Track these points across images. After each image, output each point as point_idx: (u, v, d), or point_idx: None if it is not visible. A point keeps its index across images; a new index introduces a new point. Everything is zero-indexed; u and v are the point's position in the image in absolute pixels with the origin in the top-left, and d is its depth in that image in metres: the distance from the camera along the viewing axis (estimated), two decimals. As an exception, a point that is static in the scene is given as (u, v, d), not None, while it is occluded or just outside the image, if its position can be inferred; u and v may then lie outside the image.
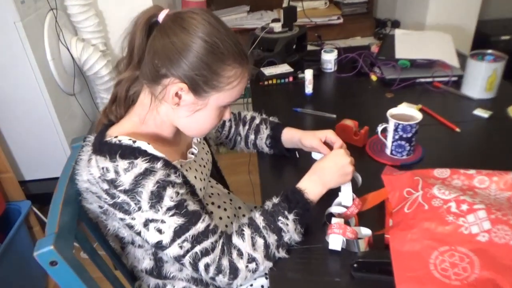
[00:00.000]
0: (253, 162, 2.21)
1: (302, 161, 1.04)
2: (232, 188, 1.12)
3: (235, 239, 0.74)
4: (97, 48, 1.65)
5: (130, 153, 0.71)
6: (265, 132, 1.04)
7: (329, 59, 1.50)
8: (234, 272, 0.73)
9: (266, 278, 0.90)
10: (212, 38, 0.70)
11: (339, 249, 0.75)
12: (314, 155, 1.03)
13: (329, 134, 0.92)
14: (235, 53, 0.73)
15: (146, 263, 0.85)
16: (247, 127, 1.07)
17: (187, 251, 0.72)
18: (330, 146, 0.92)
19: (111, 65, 1.68)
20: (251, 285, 0.89)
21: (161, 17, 0.73)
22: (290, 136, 1.00)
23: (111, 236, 0.84)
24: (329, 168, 0.80)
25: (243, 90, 0.79)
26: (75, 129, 1.60)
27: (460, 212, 0.68)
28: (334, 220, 0.77)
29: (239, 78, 0.75)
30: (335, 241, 0.75)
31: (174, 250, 0.72)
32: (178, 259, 0.73)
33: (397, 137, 0.98)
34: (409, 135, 0.97)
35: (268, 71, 1.48)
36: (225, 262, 0.72)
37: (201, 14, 0.71)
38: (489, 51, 1.25)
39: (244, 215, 1.01)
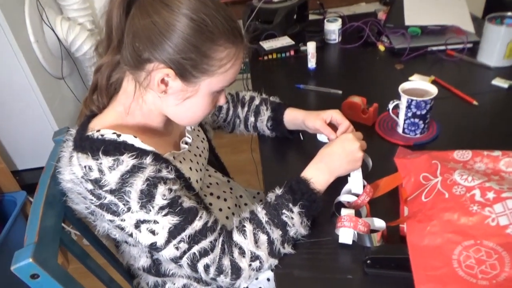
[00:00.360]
0: (255, 140, 2.14)
1: (307, 144, 0.96)
2: (235, 168, 1.05)
3: (236, 236, 0.67)
4: (84, 27, 1.55)
5: (115, 148, 0.63)
6: (265, 113, 0.95)
7: (332, 29, 1.40)
8: (236, 272, 0.67)
9: (272, 270, 0.84)
10: (199, 14, 0.61)
11: (350, 242, 0.69)
12: (320, 137, 0.95)
13: (334, 114, 0.84)
14: (226, 31, 0.63)
15: (143, 261, 0.80)
16: (246, 108, 0.98)
17: (184, 252, 0.66)
18: (336, 128, 0.84)
19: (100, 44, 1.58)
20: (256, 278, 0.83)
21: None
22: (293, 118, 0.92)
23: (102, 236, 0.78)
24: (337, 154, 0.73)
25: (238, 73, 0.70)
26: (66, 115, 1.52)
27: (485, 201, 0.60)
28: (344, 212, 0.70)
29: (232, 59, 0.66)
30: (346, 234, 0.68)
31: (169, 252, 0.66)
32: (175, 260, 0.67)
33: (410, 114, 0.90)
34: (424, 111, 0.88)
35: (268, 45, 1.37)
36: (226, 262, 0.66)
37: None
38: (509, 13, 1.14)
39: (246, 204, 0.95)
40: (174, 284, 0.83)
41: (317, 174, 0.71)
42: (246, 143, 2.10)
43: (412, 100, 0.87)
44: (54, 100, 1.44)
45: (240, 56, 0.67)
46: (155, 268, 0.80)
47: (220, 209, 0.86)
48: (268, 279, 0.84)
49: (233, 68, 0.67)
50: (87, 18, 1.57)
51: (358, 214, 0.73)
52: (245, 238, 0.67)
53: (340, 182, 0.76)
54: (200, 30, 0.61)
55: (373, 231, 0.69)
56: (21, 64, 1.29)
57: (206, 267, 0.66)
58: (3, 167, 1.41)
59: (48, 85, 1.41)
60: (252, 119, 0.97)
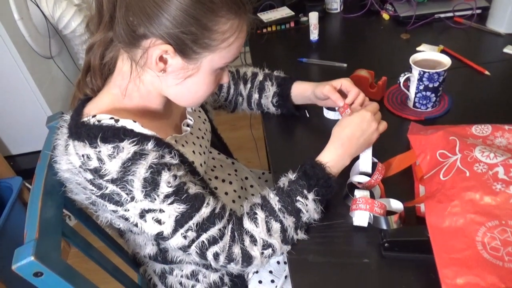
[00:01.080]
0: (254, 116, 2.09)
1: (313, 121, 0.92)
2: (234, 145, 1.01)
3: (247, 224, 0.64)
4: (71, 2, 1.46)
5: (114, 135, 0.59)
6: (271, 89, 0.90)
7: (334, -3, 1.33)
8: (247, 260, 0.64)
9: (282, 253, 0.82)
10: None
11: (365, 225, 0.66)
12: (326, 113, 0.91)
13: (344, 82, 0.79)
14: (228, 1, 0.57)
15: (149, 249, 0.77)
16: (249, 85, 0.93)
17: (193, 241, 0.63)
18: (345, 96, 0.80)
19: (89, 20, 1.50)
20: (266, 261, 0.81)
21: None
22: (302, 91, 0.87)
23: (105, 226, 0.75)
24: (355, 138, 0.69)
25: (242, 47, 0.65)
26: (58, 96, 1.46)
27: (510, 179, 0.57)
28: (358, 194, 0.67)
29: (236, 32, 0.60)
30: (361, 217, 0.65)
31: (177, 241, 0.62)
32: (184, 249, 0.64)
33: (421, 87, 0.85)
34: (436, 84, 0.84)
35: (266, 16, 1.31)
36: (236, 250, 0.63)
37: None
38: (522, -24, 1.08)
39: (252, 186, 0.92)
40: (182, 270, 0.81)
41: (334, 159, 0.67)
42: (244, 120, 2.05)
43: (424, 72, 0.83)
44: (44, 81, 1.37)
45: (243, 28, 0.62)
46: (162, 255, 0.77)
47: (226, 193, 0.82)
48: (278, 262, 0.83)
49: (236, 42, 0.61)
50: (73, -8, 1.48)
51: (371, 195, 0.70)
52: (256, 226, 0.63)
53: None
54: (199, 0, 0.55)
55: (389, 212, 0.66)
56: (6, 44, 1.21)
57: (216, 255, 0.63)
58: (-5, 153, 1.36)
59: (36, 65, 1.34)
60: (256, 96, 0.92)
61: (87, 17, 1.48)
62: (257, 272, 0.82)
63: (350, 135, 0.69)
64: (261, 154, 2.00)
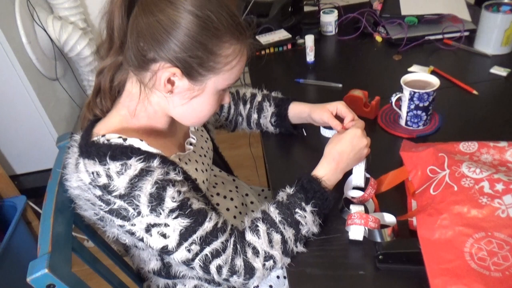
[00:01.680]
0: (253, 134, 2.13)
1: (310, 139, 0.96)
2: (234, 163, 1.04)
3: (249, 236, 0.67)
4: (77, 26, 1.52)
5: (122, 153, 0.63)
6: (269, 109, 0.95)
7: (329, 21, 1.39)
8: (250, 272, 0.67)
9: (282, 268, 0.84)
10: (204, 11, 0.60)
11: (360, 239, 0.69)
12: (323, 131, 0.95)
13: (339, 106, 0.84)
14: (231, 27, 0.63)
15: (153, 264, 0.80)
16: (248, 105, 0.98)
17: (196, 254, 0.66)
18: (341, 119, 0.84)
19: (94, 43, 1.56)
20: (266, 276, 0.84)
21: None
22: (298, 111, 0.91)
23: (112, 241, 0.78)
24: (346, 153, 0.73)
25: (243, 70, 0.69)
26: (62, 116, 1.50)
27: (494, 192, 0.61)
28: (353, 209, 0.71)
29: (238, 56, 0.65)
30: (356, 231, 0.68)
31: (181, 254, 0.65)
32: (187, 263, 0.67)
33: (412, 106, 0.90)
34: (426, 103, 0.89)
35: (264, 39, 1.36)
36: (239, 262, 0.66)
37: None
38: (505, 0, 1.14)
39: (252, 202, 0.95)
40: (185, 285, 0.83)
41: (328, 173, 0.72)
42: (243, 138, 2.10)
43: (414, 93, 0.88)
44: (49, 101, 1.42)
45: (244, 52, 0.67)
46: (166, 270, 0.80)
47: (228, 209, 0.86)
48: (278, 277, 0.85)
49: (238, 65, 0.66)
50: (79, 17, 1.55)
51: (365, 209, 0.74)
52: (258, 237, 0.67)
53: (344, 175, 0.76)
54: (205, 26, 0.60)
55: (383, 226, 0.69)
56: (14, 67, 1.26)
57: (219, 268, 0.66)
58: (1, 172, 1.39)
59: (42, 87, 1.39)
60: (255, 116, 0.97)
61: (92, 40, 1.54)
62: (257, 286, 0.84)
63: (341, 151, 0.73)
64: (260, 172, 2.04)
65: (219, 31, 0.61)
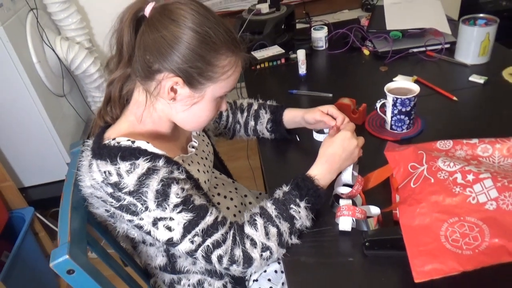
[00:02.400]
0: (251, 147, 2.21)
1: (303, 144, 1.04)
2: (233, 174, 1.11)
3: (248, 229, 0.74)
4: (83, 46, 1.62)
5: (131, 154, 0.70)
6: (265, 116, 1.03)
7: (319, 36, 1.48)
8: (248, 261, 0.73)
9: (279, 263, 0.91)
10: (203, 27, 0.68)
11: (349, 229, 0.76)
12: (316, 136, 1.03)
13: (330, 109, 0.92)
14: (227, 42, 0.71)
15: (159, 260, 0.86)
16: (245, 114, 1.06)
17: (199, 245, 0.72)
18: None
19: (99, 62, 1.65)
20: (265, 271, 0.90)
21: (147, 10, 0.71)
22: (292, 116, 0.99)
23: (121, 237, 0.84)
24: (338, 155, 0.80)
25: (238, 79, 0.77)
26: (69, 131, 1.58)
27: (466, 182, 0.68)
28: (342, 202, 0.77)
29: (233, 66, 0.73)
30: (345, 222, 0.75)
31: (185, 246, 0.72)
32: (191, 253, 0.73)
33: (396, 111, 0.98)
34: (408, 108, 0.97)
35: (259, 54, 1.45)
36: (238, 252, 0.73)
37: (188, 4, 0.69)
38: (481, 15, 1.24)
39: (250, 203, 1.02)
40: (189, 280, 0.89)
41: (320, 172, 0.78)
42: (242, 151, 2.17)
43: (397, 99, 0.96)
44: (57, 117, 1.50)
45: (239, 64, 0.75)
46: (171, 265, 0.86)
47: (228, 208, 0.92)
48: (276, 271, 0.91)
49: (234, 74, 0.74)
50: (84, 37, 1.64)
51: (353, 203, 0.80)
52: (256, 230, 0.73)
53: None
54: (204, 41, 0.68)
55: (369, 217, 0.76)
56: (25, 84, 1.35)
57: (220, 258, 0.72)
58: (10, 184, 1.45)
59: (50, 103, 1.47)
60: (252, 123, 1.04)
61: (96, 59, 1.63)
62: (256, 280, 0.90)
63: (333, 152, 0.80)
64: (258, 182, 2.11)
65: (216, 45, 0.70)
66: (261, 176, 2.12)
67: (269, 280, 0.90)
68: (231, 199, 0.94)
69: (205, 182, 0.85)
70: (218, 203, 0.90)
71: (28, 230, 1.48)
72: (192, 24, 0.68)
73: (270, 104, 1.05)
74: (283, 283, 0.89)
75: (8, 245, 1.46)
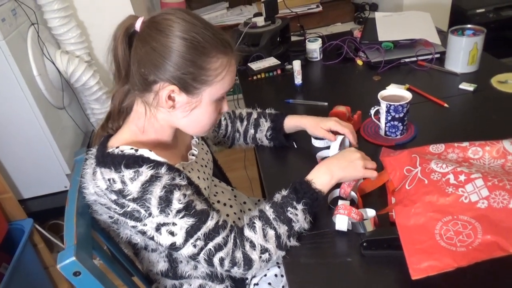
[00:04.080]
0: (248, 157, 2.24)
1: (300, 152, 1.07)
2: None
3: (247, 232, 0.76)
4: (82, 59, 1.64)
5: (134, 162, 0.72)
6: (265, 124, 1.05)
7: (314, 48, 1.53)
8: (248, 263, 0.75)
9: (279, 267, 0.92)
10: (190, 33, 0.70)
11: (345, 229, 0.78)
12: (314, 142, 1.06)
13: (332, 126, 0.96)
14: (216, 43, 0.73)
15: (161, 265, 0.87)
16: (245, 122, 1.08)
17: (201, 249, 0.74)
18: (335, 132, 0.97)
19: (98, 75, 1.68)
20: (265, 275, 0.91)
21: (137, 25, 0.73)
22: (293, 124, 1.03)
23: (124, 244, 0.86)
24: (336, 159, 0.83)
25: (234, 79, 0.79)
26: (68, 142, 1.59)
27: (458, 183, 0.71)
28: (340, 202, 0.80)
29: (226, 67, 0.75)
30: (341, 222, 0.77)
31: (188, 250, 0.74)
32: (193, 257, 0.75)
33: (389, 118, 1.01)
34: (401, 115, 1.00)
35: (256, 65, 1.49)
36: (238, 255, 0.74)
37: (174, 14, 0.72)
38: (468, 25, 1.28)
39: (250, 210, 1.04)
40: (191, 285, 0.90)
41: (318, 176, 0.80)
42: (239, 161, 2.19)
43: (390, 105, 0.99)
44: (57, 129, 1.51)
45: (232, 63, 0.77)
46: (173, 271, 0.87)
47: (227, 215, 0.94)
48: (276, 275, 0.93)
49: (228, 75, 0.76)
50: (84, 51, 1.67)
51: (352, 204, 0.83)
52: (255, 233, 0.75)
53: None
54: (193, 46, 0.71)
55: (366, 220, 0.78)
56: (26, 97, 1.36)
57: (221, 260, 0.74)
58: (10, 196, 1.46)
59: (51, 115, 1.49)
60: (252, 131, 1.07)
61: (96, 72, 1.66)
62: (257, 284, 0.91)
63: (332, 159, 0.83)
64: (256, 192, 2.12)
65: (205, 49, 0.72)
66: (258, 187, 2.14)
67: (269, 284, 0.91)
68: (231, 206, 0.96)
69: (205, 189, 0.87)
70: (218, 211, 0.91)
71: (27, 241, 1.48)
72: (179, 32, 0.70)
73: (269, 112, 1.08)
74: (283, 287, 0.91)
75: (6, 257, 1.46)
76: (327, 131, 0.95)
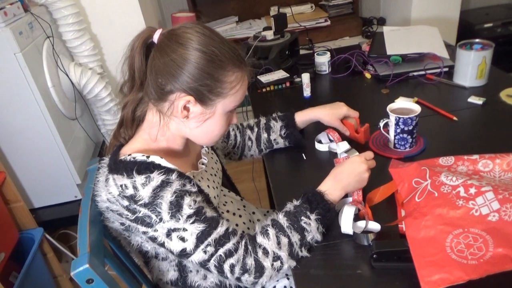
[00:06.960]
0: (256, 169, 2.24)
1: (309, 162, 1.07)
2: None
3: (260, 239, 0.76)
4: (95, 71, 1.68)
5: (146, 168, 0.73)
6: (276, 125, 1.08)
7: (323, 61, 1.54)
8: (260, 270, 0.75)
9: (288, 279, 0.92)
10: (209, 47, 0.73)
11: (350, 233, 0.79)
12: (318, 146, 1.08)
13: (346, 112, 1.09)
14: (233, 58, 0.76)
15: (171, 274, 0.88)
16: (256, 129, 1.10)
17: (212, 255, 0.74)
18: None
19: (110, 86, 1.71)
20: (274, 287, 0.91)
21: (156, 37, 0.76)
22: (306, 118, 1.09)
23: (134, 252, 0.87)
24: (347, 173, 0.84)
25: (246, 92, 0.82)
26: (79, 153, 1.62)
27: (469, 196, 0.71)
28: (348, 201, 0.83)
29: (240, 81, 0.78)
30: (346, 223, 0.78)
31: (198, 256, 0.74)
32: (204, 264, 0.75)
33: (399, 130, 1.02)
34: (410, 127, 1.00)
35: (265, 78, 1.51)
36: (250, 261, 0.75)
37: (193, 27, 0.75)
38: (477, 40, 1.29)
39: (259, 220, 1.04)
40: (200, 295, 0.90)
41: (330, 188, 0.82)
42: (247, 173, 2.20)
43: (399, 118, 1.00)
44: (69, 139, 1.54)
45: (245, 78, 0.80)
46: (182, 280, 0.88)
47: (236, 224, 0.95)
48: (285, 287, 0.92)
49: (241, 88, 0.79)
50: (96, 63, 1.71)
51: (363, 219, 0.83)
52: (268, 240, 0.76)
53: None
54: (211, 60, 0.73)
55: (370, 233, 0.79)
56: (40, 107, 1.40)
57: (232, 267, 0.74)
58: (21, 205, 1.48)
59: (63, 126, 1.52)
60: (264, 135, 1.09)
61: (107, 84, 1.70)
62: (266, 295, 0.91)
63: (341, 171, 0.84)
64: (264, 204, 2.12)
65: (222, 62, 0.75)
66: (266, 198, 2.13)
67: (278, 296, 0.91)
68: (240, 216, 0.97)
69: (214, 197, 0.88)
70: (227, 220, 0.92)
71: (37, 251, 1.50)
72: (198, 45, 0.73)
73: (278, 114, 1.11)
74: (292, 299, 0.90)
75: (16, 266, 1.47)
76: (341, 123, 1.06)
